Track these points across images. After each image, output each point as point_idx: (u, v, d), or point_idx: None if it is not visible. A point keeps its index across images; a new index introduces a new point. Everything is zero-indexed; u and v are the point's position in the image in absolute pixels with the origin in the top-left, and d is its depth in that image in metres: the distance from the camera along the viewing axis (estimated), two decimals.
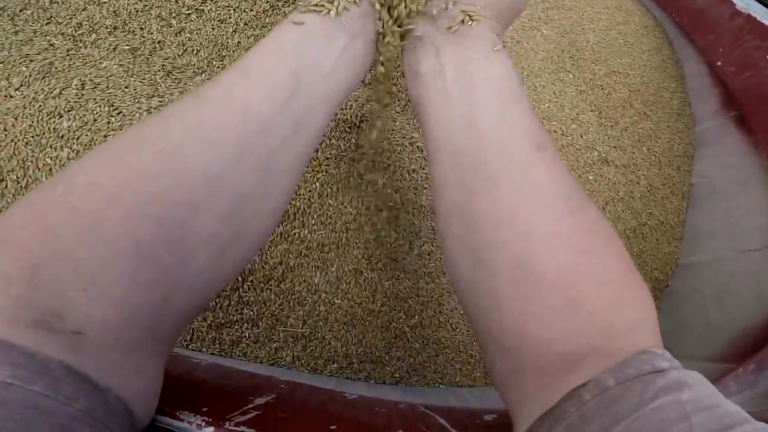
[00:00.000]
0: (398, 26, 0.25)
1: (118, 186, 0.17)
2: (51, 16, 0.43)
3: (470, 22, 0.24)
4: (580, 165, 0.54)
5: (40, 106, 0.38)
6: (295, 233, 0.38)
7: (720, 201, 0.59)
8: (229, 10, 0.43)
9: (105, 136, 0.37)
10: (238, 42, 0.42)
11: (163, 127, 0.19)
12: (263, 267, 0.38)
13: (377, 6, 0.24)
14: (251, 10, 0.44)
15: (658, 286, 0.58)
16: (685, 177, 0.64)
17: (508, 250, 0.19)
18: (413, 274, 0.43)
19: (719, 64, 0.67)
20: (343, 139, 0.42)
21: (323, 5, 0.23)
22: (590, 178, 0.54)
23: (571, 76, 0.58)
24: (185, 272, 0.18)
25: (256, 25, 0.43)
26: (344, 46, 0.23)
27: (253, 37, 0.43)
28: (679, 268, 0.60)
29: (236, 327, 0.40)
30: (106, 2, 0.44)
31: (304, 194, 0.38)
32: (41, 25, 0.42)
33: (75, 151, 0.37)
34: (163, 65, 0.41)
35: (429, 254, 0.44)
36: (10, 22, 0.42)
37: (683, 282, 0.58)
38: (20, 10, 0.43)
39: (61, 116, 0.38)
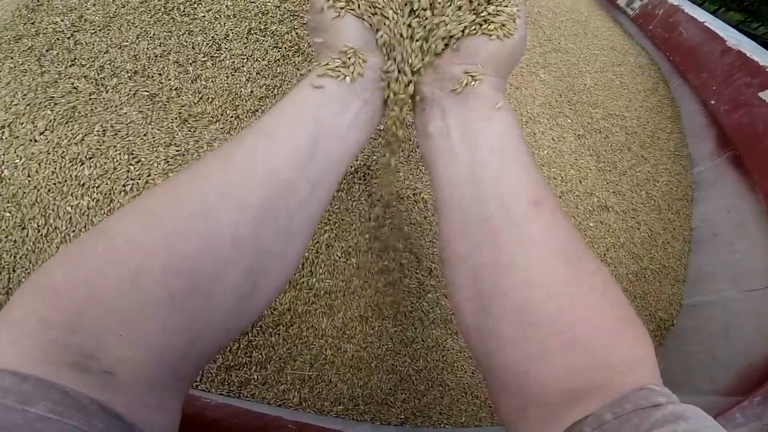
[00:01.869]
0: (404, 92, 0.26)
1: (155, 245, 0.18)
2: (75, 58, 0.45)
3: (473, 83, 0.25)
4: (580, 212, 0.54)
5: (63, 152, 0.40)
6: (303, 281, 0.39)
7: (721, 244, 0.59)
8: (243, 59, 0.45)
9: (124, 186, 0.39)
10: (251, 91, 0.44)
11: (194, 190, 0.21)
12: (272, 313, 0.39)
13: (386, 72, 0.26)
14: (263, 59, 0.45)
15: (663, 326, 0.58)
16: (685, 221, 0.64)
17: (509, 297, 0.21)
18: (418, 320, 0.44)
19: (713, 102, 0.67)
20: (349, 190, 0.43)
21: (339, 71, 0.25)
22: (591, 225, 0.54)
23: (569, 120, 0.59)
24: (210, 319, 0.20)
25: (268, 75, 0.45)
26: (357, 111, 0.25)
27: (265, 87, 0.44)
28: (684, 308, 0.60)
29: (245, 369, 0.41)
30: (127, 45, 0.46)
31: (312, 245, 0.39)
32: (65, 67, 0.44)
33: (95, 200, 0.39)
34: (179, 113, 0.43)
35: (436, 301, 0.44)
36: (36, 62, 0.44)
37: (689, 321, 0.58)
38: (47, 50, 0.45)
39: (82, 163, 0.39)
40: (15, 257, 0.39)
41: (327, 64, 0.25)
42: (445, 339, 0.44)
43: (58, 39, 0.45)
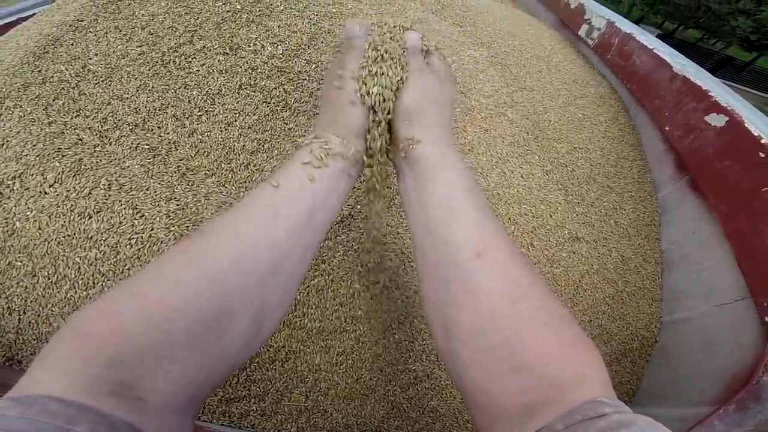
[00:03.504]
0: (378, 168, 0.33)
1: (182, 305, 0.23)
2: (80, 108, 0.48)
3: (412, 146, 0.31)
4: (552, 244, 0.57)
5: (72, 205, 0.43)
6: (296, 321, 0.42)
7: (690, 264, 0.62)
8: (235, 114, 0.49)
9: (129, 239, 0.42)
10: (243, 145, 0.48)
11: (211, 260, 0.25)
12: (268, 350, 0.42)
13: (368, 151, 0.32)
14: (254, 114, 0.49)
15: (647, 343, 0.61)
16: (655, 244, 0.67)
17: (466, 327, 0.26)
18: (406, 351, 0.47)
19: (667, 128, 0.70)
20: (335, 239, 0.47)
21: (336, 153, 0.30)
22: (563, 255, 0.58)
23: (537, 157, 0.63)
24: (222, 358, 0.24)
25: (259, 129, 0.49)
26: (345, 185, 0.31)
27: (256, 141, 0.48)
28: (665, 325, 0.63)
29: (244, 402, 0.44)
30: (128, 98, 0.49)
31: (303, 289, 0.43)
32: (71, 117, 0.47)
33: (102, 252, 0.42)
34: (178, 166, 0.46)
35: (420, 333, 0.48)
36: (44, 112, 0.47)
37: (671, 337, 0.61)
38: (53, 100, 0.48)
39: (90, 217, 0.42)
40: (26, 301, 0.42)
41: (327, 143, 0.31)
42: (432, 369, 0.47)
43: (63, 88, 0.48)
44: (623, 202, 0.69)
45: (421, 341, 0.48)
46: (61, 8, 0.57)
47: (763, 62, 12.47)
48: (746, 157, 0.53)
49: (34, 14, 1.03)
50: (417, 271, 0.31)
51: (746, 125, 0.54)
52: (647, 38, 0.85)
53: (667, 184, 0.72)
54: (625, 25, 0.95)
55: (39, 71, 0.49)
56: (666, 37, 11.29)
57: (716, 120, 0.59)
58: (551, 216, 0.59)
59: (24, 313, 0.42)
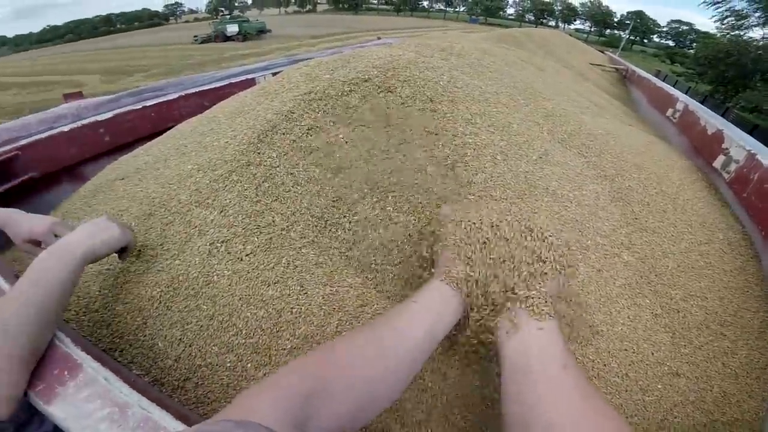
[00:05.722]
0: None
1: (355, 369, 0.37)
2: (279, 194, 0.61)
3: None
4: (648, 377, 0.57)
5: (258, 274, 0.56)
6: None
7: None
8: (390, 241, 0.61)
9: (292, 309, 0.54)
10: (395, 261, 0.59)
11: (373, 345, 0.39)
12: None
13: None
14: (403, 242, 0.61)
15: None
16: (766, 385, 0.63)
17: (552, 421, 0.33)
18: None
19: None
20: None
21: (457, 280, 0.43)
22: (659, 387, 0.57)
23: (648, 300, 0.63)
24: (373, 408, 0.39)
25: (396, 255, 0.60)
26: (456, 307, 0.45)
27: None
28: None
29: None
30: (325, 192, 0.62)
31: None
32: (272, 200, 0.60)
33: (269, 313, 0.54)
34: (339, 258, 0.59)
35: None
36: (255, 191, 0.61)
37: None
38: (263, 181, 0.62)
39: (268, 285, 0.56)
40: (197, 336, 0.54)
41: (451, 275, 0.44)
42: None
43: (270, 174, 0.62)
44: (736, 348, 0.66)
45: None
46: (279, 95, 0.74)
47: None
48: None
49: (240, 81, 1.37)
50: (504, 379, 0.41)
51: None
52: None
53: None
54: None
55: (259, 153, 0.64)
56: None
57: None
58: (653, 354, 0.59)
59: (190, 346, 0.53)
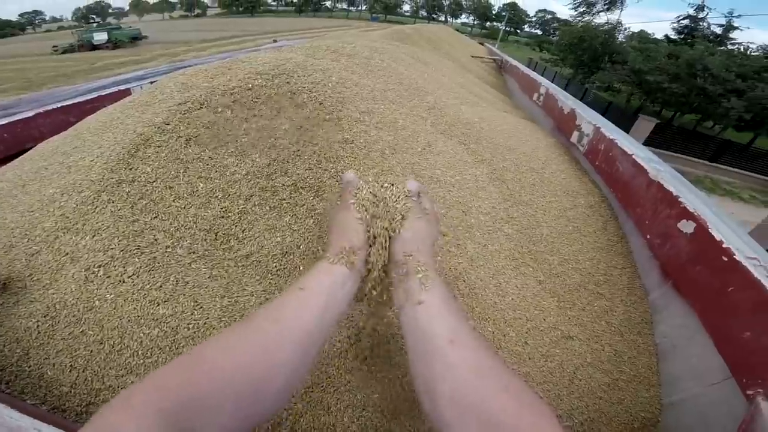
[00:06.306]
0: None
1: (234, 374, 0.33)
2: (158, 211, 0.58)
3: (407, 261, 0.44)
4: (546, 342, 0.63)
5: (145, 294, 0.53)
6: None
7: (680, 352, 0.67)
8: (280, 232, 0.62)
9: (188, 324, 0.52)
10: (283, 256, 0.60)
11: (253, 342, 0.36)
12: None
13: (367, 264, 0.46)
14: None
15: (648, 423, 0.65)
16: (648, 339, 0.72)
17: (445, 394, 0.35)
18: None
19: (648, 237, 0.74)
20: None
21: (351, 261, 0.43)
22: (557, 351, 0.64)
23: (531, 269, 0.71)
24: (260, 412, 0.35)
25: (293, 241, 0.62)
26: (350, 286, 0.44)
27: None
28: (665, 407, 0.66)
29: None
30: (209, 205, 0.60)
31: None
32: (151, 218, 0.57)
33: (163, 331, 0.51)
34: (235, 271, 0.58)
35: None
36: (130, 210, 0.57)
37: (672, 418, 0.65)
38: (138, 199, 0.58)
39: (158, 304, 0.53)
40: (88, 362, 0.50)
41: (340, 254, 0.44)
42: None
43: (147, 190, 0.58)
44: (614, 306, 0.74)
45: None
46: (150, 107, 0.69)
47: (763, 142, 12.75)
48: (712, 262, 0.58)
49: (111, 92, 1.22)
50: (408, 355, 0.41)
51: (711, 231, 0.60)
52: (629, 143, 0.91)
53: (655, 288, 0.77)
54: (610, 131, 1.02)
55: (131, 169, 0.59)
56: (665, 125, 11.62)
57: (686, 227, 0.65)
58: (544, 319, 0.65)
59: (83, 371, 0.50)
